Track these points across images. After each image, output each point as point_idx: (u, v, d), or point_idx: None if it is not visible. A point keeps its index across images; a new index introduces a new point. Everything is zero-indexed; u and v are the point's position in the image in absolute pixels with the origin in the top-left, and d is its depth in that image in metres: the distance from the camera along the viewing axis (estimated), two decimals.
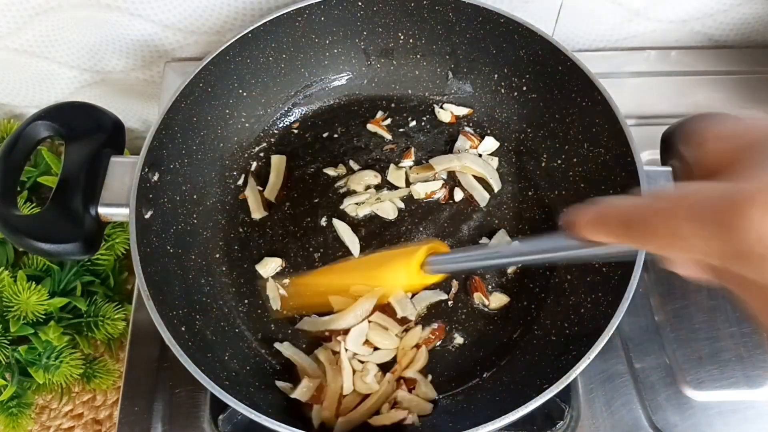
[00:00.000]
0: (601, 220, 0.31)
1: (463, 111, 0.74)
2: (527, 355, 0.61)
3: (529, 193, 0.70)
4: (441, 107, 0.74)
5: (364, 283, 0.62)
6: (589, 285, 0.61)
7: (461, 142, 0.72)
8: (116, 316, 0.78)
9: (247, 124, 0.71)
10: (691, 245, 0.25)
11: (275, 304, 0.65)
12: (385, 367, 0.61)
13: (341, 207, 0.69)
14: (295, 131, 0.74)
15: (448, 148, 0.72)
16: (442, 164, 0.70)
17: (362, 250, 0.67)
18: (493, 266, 0.65)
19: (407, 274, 0.58)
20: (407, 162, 0.71)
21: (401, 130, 0.73)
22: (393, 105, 0.75)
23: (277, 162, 0.71)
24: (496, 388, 0.60)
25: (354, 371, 0.60)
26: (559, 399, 0.60)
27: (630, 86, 0.80)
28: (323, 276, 0.65)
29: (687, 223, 0.25)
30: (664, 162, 0.60)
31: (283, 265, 0.66)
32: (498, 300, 0.65)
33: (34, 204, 0.77)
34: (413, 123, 0.74)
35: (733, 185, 0.25)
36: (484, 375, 0.62)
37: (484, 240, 0.67)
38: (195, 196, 0.66)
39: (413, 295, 0.64)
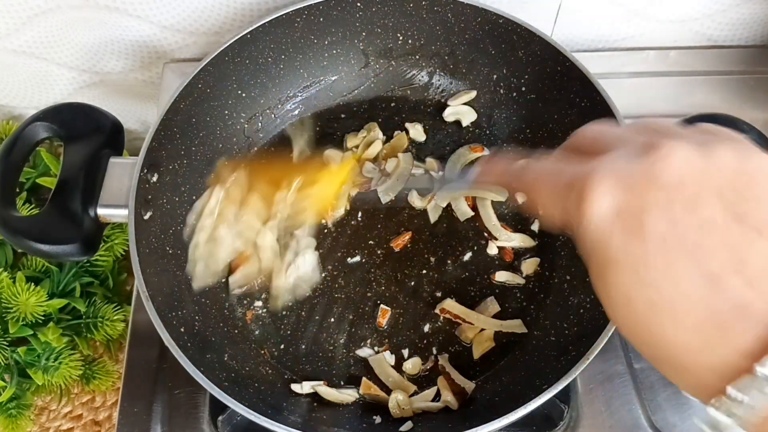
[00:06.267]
0: (494, 170, 0.42)
1: (462, 102, 0.74)
2: (526, 355, 0.61)
3: None
4: (440, 107, 0.74)
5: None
6: (588, 285, 0.60)
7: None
8: (115, 317, 0.78)
9: (246, 125, 0.71)
10: (545, 201, 0.36)
11: None
12: None
13: None
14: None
15: (449, 149, 0.72)
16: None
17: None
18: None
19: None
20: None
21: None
22: (392, 105, 0.75)
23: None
24: (495, 389, 0.60)
25: None
26: (558, 399, 0.60)
27: (629, 86, 0.80)
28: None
29: (545, 186, 0.36)
30: None
31: None
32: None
33: (33, 205, 0.77)
34: (412, 123, 0.74)
35: (581, 166, 0.33)
36: (484, 375, 0.62)
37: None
38: (194, 197, 0.66)
39: None
